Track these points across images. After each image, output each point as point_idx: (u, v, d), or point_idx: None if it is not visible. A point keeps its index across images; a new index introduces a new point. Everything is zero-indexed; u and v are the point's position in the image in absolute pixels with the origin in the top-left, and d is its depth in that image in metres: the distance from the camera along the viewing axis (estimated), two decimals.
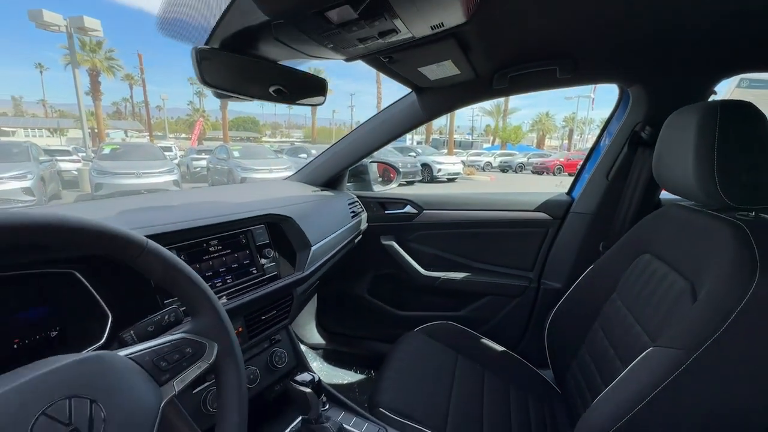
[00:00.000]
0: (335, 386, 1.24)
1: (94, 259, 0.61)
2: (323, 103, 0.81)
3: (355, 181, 1.68)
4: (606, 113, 1.40)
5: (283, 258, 0.99)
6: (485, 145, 38.58)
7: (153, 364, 0.44)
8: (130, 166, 8.21)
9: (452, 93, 1.18)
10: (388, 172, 1.84)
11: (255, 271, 0.88)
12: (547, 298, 1.41)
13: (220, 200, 0.97)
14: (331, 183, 1.50)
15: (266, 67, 0.67)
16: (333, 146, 1.46)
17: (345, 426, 0.84)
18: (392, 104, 1.33)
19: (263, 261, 0.91)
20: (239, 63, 0.62)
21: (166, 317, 0.59)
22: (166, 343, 0.47)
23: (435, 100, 1.22)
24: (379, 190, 1.69)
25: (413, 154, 13.65)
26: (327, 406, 0.82)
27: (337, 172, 1.47)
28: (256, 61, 0.64)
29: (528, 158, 20.95)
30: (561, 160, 18.64)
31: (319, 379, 0.76)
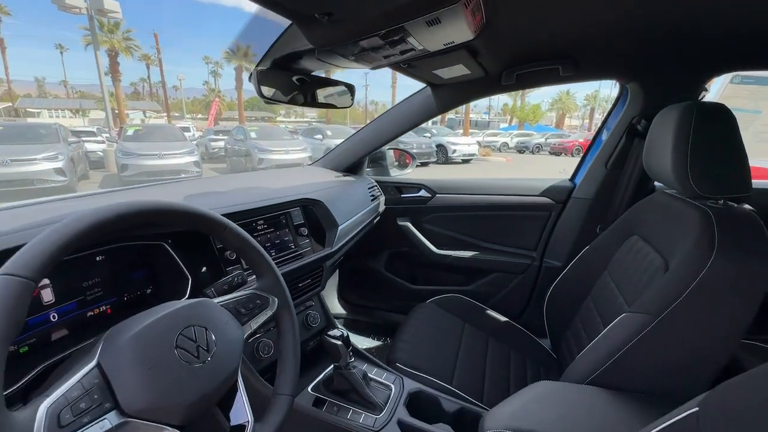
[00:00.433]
0: None
1: (177, 234, 0.78)
2: (351, 104, 0.95)
3: (373, 166, 1.82)
4: None
5: (313, 236, 1.15)
6: (502, 125, 37.67)
7: (235, 309, 0.62)
8: (152, 147, 8.41)
9: (464, 88, 1.30)
10: (404, 157, 1.97)
11: (293, 247, 1.05)
12: (549, 275, 1.55)
13: (263, 186, 1.14)
14: (352, 169, 1.64)
15: (307, 78, 0.81)
16: (353, 135, 1.60)
17: (368, 374, 1.02)
18: (409, 97, 1.45)
19: (299, 238, 1.08)
20: (287, 77, 0.76)
21: (235, 279, 0.77)
22: (243, 296, 0.64)
23: (448, 95, 1.34)
24: (395, 174, 1.83)
25: (428, 134, 13.49)
26: (353, 358, 0.99)
27: (358, 158, 1.61)
28: (299, 75, 0.79)
29: (546, 139, 20.45)
30: (580, 140, 18.05)
31: (348, 335, 0.94)
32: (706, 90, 1.15)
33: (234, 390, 0.57)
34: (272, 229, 1.00)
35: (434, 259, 1.68)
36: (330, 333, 0.93)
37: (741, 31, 0.94)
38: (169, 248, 0.77)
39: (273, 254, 0.98)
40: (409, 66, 0.97)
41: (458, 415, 0.96)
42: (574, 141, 18.32)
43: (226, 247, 0.83)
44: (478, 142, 16.93)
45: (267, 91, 0.72)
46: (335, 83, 0.89)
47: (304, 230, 1.09)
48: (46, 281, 0.61)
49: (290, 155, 9.85)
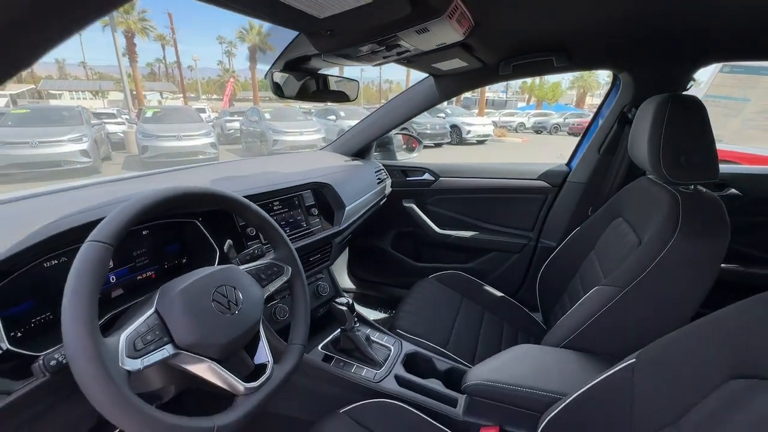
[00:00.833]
0: None
1: (206, 213, 0.91)
2: (356, 98, 1.05)
3: (381, 151, 1.92)
4: None
5: (322, 215, 1.28)
6: (520, 104, 36.61)
7: (257, 275, 0.75)
8: (171, 129, 8.61)
9: (464, 78, 1.38)
10: (411, 142, 2.06)
11: (304, 225, 1.18)
12: (543, 254, 1.65)
13: (278, 171, 1.26)
14: (361, 153, 1.75)
15: (315, 76, 0.92)
16: (361, 122, 1.70)
17: (371, 337, 1.16)
18: (413, 86, 1.53)
19: (310, 218, 1.20)
20: (298, 76, 0.87)
21: (255, 251, 0.90)
22: (262, 264, 0.78)
23: (449, 84, 1.42)
24: (402, 158, 1.93)
25: (442, 115, 13.28)
26: (358, 323, 1.13)
27: (366, 143, 1.72)
28: (307, 74, 0.89)
29: (564, 118, 19.86)
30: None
31: (353, 302, 1.07)
32: (693, 80, 1.20)
33: (257, 338, 0.71)
34: (286, 209, 1.13)
35: (437, 238, 1.80)
36: (337, 300, 1.07)
37: (727, 24, 0.99)
38: (200, 225, 0.91)
39: (287, 231, 1.11)
40: (408, 62, 1.06)
41: (449, 372, 1.10)
42: None
43: (248, 224, 0.97)
44: (494, 123, 16.60)
45: (281, 89, 0.84)
46: (339, 78, 1.00)
47: (315, 210, 1.22)
48: None
49: (304, 136, 9.96)
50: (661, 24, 1.01)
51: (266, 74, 0.86)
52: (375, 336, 1.19)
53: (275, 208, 1.10)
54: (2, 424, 0.54)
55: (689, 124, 0.90)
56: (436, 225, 1.81)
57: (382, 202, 1.69)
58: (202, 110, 15.95)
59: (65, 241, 0.65)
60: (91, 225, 0.61)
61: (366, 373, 1.04)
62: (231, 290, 0.66)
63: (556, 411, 0.73)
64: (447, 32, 0.78)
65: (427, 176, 1.80)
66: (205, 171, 1.24)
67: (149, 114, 9.48)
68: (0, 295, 0.57)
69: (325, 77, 0.95)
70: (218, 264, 0.90)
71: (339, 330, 1.12)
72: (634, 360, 0.65)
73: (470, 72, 1.33)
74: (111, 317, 0.70)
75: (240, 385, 0.61)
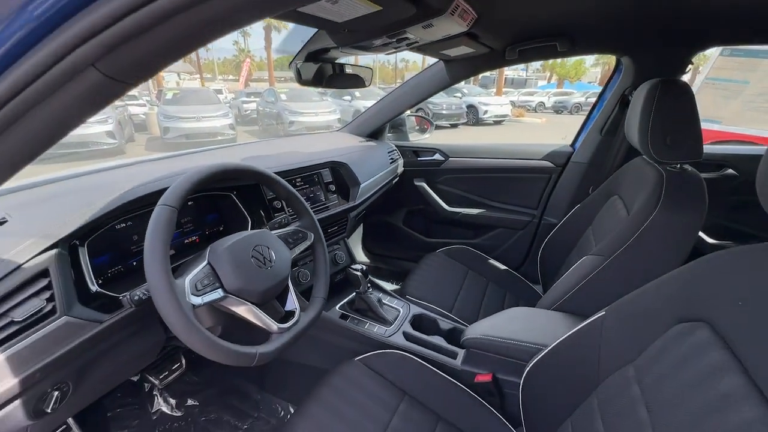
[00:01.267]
0: None
1: (240, 187, 1.05)
2: (370, 84, 1.15)
3: (394, 132, 2.02)
4: None
5: (339, 192, 1.41)
6: (540, 83, 35.40)
7: (285, 239, 0.89)
8: (190, 111, 8.79)
9: (472, 63, 1.45)
10: (423, 123, 2.15)
11: (323, 200, 1.31)
12: (546, 230, 1.74)
13: (300, 151, 1.39)
14: (375, 134, 1.86)
15: (333, 65, 1.03)
16: (375, 105, 1.80)
17: (383, 300, 1.30)
18: (425, 69, 1.62)
19: (328, 194, 1.34)
20: (318, 66, 0.98)
21: (282, 220, 1.04)
22: (289, 230, 0.92)
23: (458, 69, 1.50)
24: (414, 139, 2.03)
25: (458, 95, 13.04)
26: (371, 288, 1.27)
27: (379, 125, 1.82)
28: (327, 63, 1.00)
29: (586, 98, 19.17)
30: None
31: (367, 268, 1.21)
32: (692, 63, 1.25)
33: (286, 291, 0.85)
34: (307, 185, 1.27)
35: (446, 215, 1.91)
36: (353, 266, 1.21)
37: (726, 8, 1.04)
38: (234, 198, 1.05)
39: (308, 204, 1.25)
40: (418, 49, 1.15)
41: (451, 331, 1.23)
42: None
43: (277, 196, 1.10)
44: (512, 102, 16.21)
45: (304, 79, 0.96)
46: (354, 66, 1.11)
47: (332, 187, 1.35)
48: None
49: (319, 117, 10.04)
50: (661, 8, 1.06)
51: (290, 64, 0.98)
52: (386, 300, 1.33)
53: (298, 183, 1.23)
54: (96, 345, 0.70)
55: (676, 108, 0.97)
56: (446, 203, 1.92)
57: (394, 181, 1.80)
58: (219, 91, 16.12)
59: (133, 208, 0.80)
60: (153, 194, 0.76)
61: (378, 329, 1.18)
62: (266, 249, 0.80)
63: (538, 358, 0.85)
64: (451, 26, 0.87)
65: (437, 156, 1.90)
66: (235, 150, 1.38)
67: (169, 96, 9.69)
68: (89, 250, 0.73)
69: (341, 65, 1.06)
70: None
71: (354, 293, 1.26)
72: (603, 313, 0.77)
73: (478, 57, 1.40)
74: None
75: (274, 325, 0.76)
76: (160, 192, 0.70)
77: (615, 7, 1.06)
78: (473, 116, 12.66)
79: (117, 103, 8.96)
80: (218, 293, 0.70)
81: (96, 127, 7.55)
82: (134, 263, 0.85)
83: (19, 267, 0.60)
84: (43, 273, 0.62)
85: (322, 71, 1.00)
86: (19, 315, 0.58)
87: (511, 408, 1.01)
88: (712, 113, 3.87)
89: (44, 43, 0.32)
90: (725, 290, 0.55)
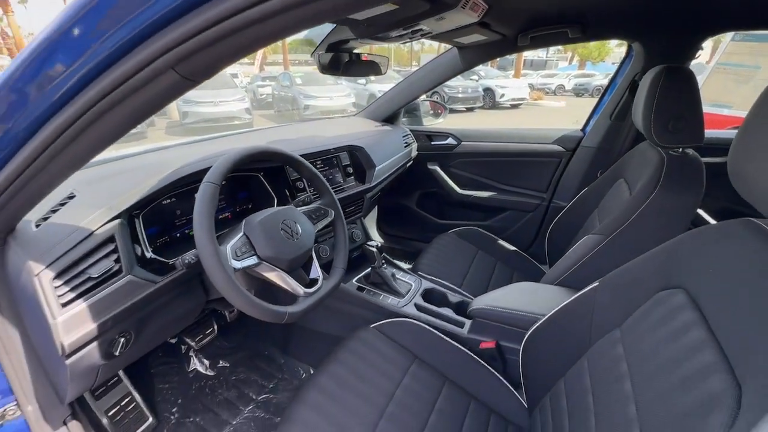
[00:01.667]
0: None
1: (268, 168, 1.15)
2: (386, 72, 1.23)
3: (408, 117, 2.09)
4: None
5: (356, 174, 1.49)
6: (561, 65, 34.14)
7: (308, 215, 0.99)
8: (207, 95, 8.91)
9: (485, 49, 1.50)
10: (437, 108, 2.20)
11: (341, 181, 1.41)
12: (555, 213, 1.80)
13: (320, 135, 1.48)
14: (390, 119, 1.93)
15: (352, 54, 1.10)
16: (390, 90, 1.86)
17: (396, 275, 1.40)
18: (439, 55, 1.67)
19: (345, 176, 1.43)
20: (338, 55, 1.06)
21: (305, 199, 1.14)
22: (312, 208, 1.01)
23: (472, 55, 1.54)
24: (428, 124, 2.09)
25: (475, 77, 12.77)
26: (385, 264, 1.37)
27: (394, 110, 1.89)
28: (347, 53, 1.08)
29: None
30: None
31: (382, 245, 1.31)
32: (701, 49, 1.27)
33: (310, 261, 0.96)
34: (327, 167, 1.36)
35: (458, 198, 1.98)
36: (369, 243, 1.31)
37: None
38: (261, 178, 1.15)
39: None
40: (432, 37, 1.21)
41: (459, 304, 1.33)
42: None
43: (301, 177, 1.20)
44: (530, 85, 15.78)
45: (326, 67, 1.04)
46: (371, 54, 1.18)
47: (350, 169, 1.44)
48: None
49: (334, 101, 10.06)
50: None
51: (312, 54, 1.06)
52: (399, 275, 1.43)
53: (318, 166, 1.33)
54: (151, 302, 0.83)
55: (679, 94, 1.01)
56: (458, 186, 1.99)
57: (408, 165, 1.87)
58: (235, 75, 16.25)
59: (179, 185, 0.91)
60: (198, 173, 0.86)
61: (391, 301, 1.29)
62: (293, 223, 0.90)
63: (536, 326, 0.94)
64: (462, 17, 0.93)
65: (450, 140, 1.96)
66: (261, 134, 1.48)
67: None
68: (144, 221, 0.84)
69: (359, 54, 1.14)
70: None
71: (370, 268, 1.37)
72: (597, 284, 0.85)
73: (491, 43, 1.45)
74: None
75: (300, 290, 0.87)
76: (203, 171, 0.80)
77: None
78: (490, 100, 12.42)
79: None
80: (254, 259, 0.81)
81: None
82: (177, 234, 0.97)
83: (92, 233, 0.71)
84: (110, 239, 0.74)
85: (341, 60, 1.08)
86: (95, 272, 0.69)
87: (512, 371, 1.11)
88: (722, 98, 3.80)
89: (138, 50, 0.41)
90: (701, 260, 0.63)
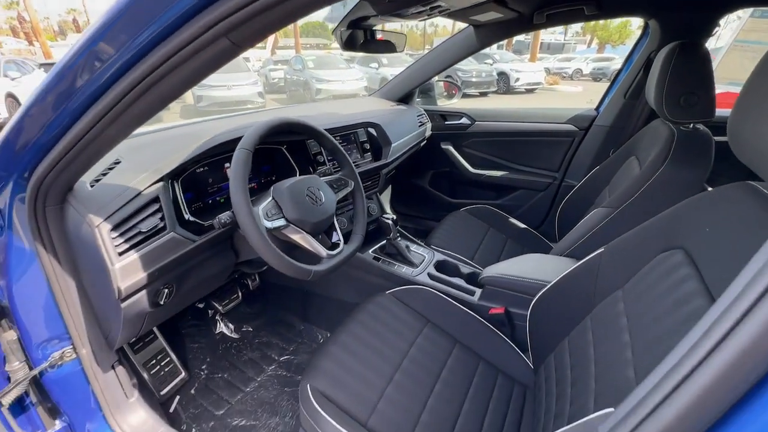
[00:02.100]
0: None
1: (290, 142, 1.22)
2: (403, 50, 1.27)
3: (423, 97, 2.12)
4: None
5: (372, 150, 1.55)
6: (579, 48, 33.01)
7: (330, 185, 1.05)
8: (221, 79, 8.92)
9: (500, 28, 1.51)
10: (452, 89, 2.22)
11: (359, 157, 1.47)
12: (566, 191, 1.83)
13: (339, 113, 1.53)
14: (405, 99, 1.96)
15: (371, 32, 1.15)
16: (405, 71, 1.89)
17: (410, 247, 1.47)
18: (453, 35, 1.69)
19: (363, 152, 1.48)
20: (358, 32, 1.10)
21: (326, 170, 1.21)
22: (333, 178, 1.08)
23: (487, 33, 1.56)
24: (442, 104, 2.12)
25: (489, 61, 12.47)
26: (399, 238, 1.44)
27: (409, 90, 1.92)
28: (365, 30, 1.12)
29: None
30: None
31: (397, 218, 1.37)
32: (719, 26, 1.27)
33: (332, 227, 1.03)
34: (345, 143, 1.42)
35: (470, 177, 2.02)
36: (384, 216, 1.37)
37: None
38: (285, 151, 1.22)
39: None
40: (449, 14, 1.24)
41: (470, 275, 1.39)
42: None
43: (323, 149, 1.26)
44: (547, 69, 15.37)
45: (346, 44, 1.09)
46: (388, 32, 1.22)
47: (367, 145, 1.49)
48: (228, 164, 1.09)
49: (346, 85, 10.04)
50: None
51: (333, 31, 1.11)
52: (413, 247, 1.50)
53: (337, 141, 1.38)
54: (190, 259, 0.91)
55: (692, 70, 1.04)
56: (470, 165, 2.02)
57: (422, 144, 1.92)
58: (247, 59, 16.23)
59: (212, 154, 0.99)
60: (231, 142, 0.93)
61: (405, 270, 1.36)
62: (317, 190, 0.97)
63: (543, 291, 1.00)
64: None
65: (464, 120, 1.99)
66: (283, 112, 1.54)
67: None
68: (182, 186, 0.92)
69: (375, 32, 1.18)
70: None
71: (385, 240, 1.44)
72: (602, 250, 0.90)
73: (507, 21, 1.47)
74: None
75: (324, 252, 0.94)
76: (236, 140, 0.87)
77: None
78: (504, 84, 12.18)
79: None
80: (282, 221, 0.88)
81: None
82: (209, 201, 1.05)
83: (140, 193, 0.79)
84: (155, 199, 0.82)
85: (361, 37, 1.13)
86: (144, 227, 0.78)
87: (519, 336, 1.17)
88: (739, 76, 3.64)
89: (196, 19, 0.47)
90: (698, 220, 0.67)
